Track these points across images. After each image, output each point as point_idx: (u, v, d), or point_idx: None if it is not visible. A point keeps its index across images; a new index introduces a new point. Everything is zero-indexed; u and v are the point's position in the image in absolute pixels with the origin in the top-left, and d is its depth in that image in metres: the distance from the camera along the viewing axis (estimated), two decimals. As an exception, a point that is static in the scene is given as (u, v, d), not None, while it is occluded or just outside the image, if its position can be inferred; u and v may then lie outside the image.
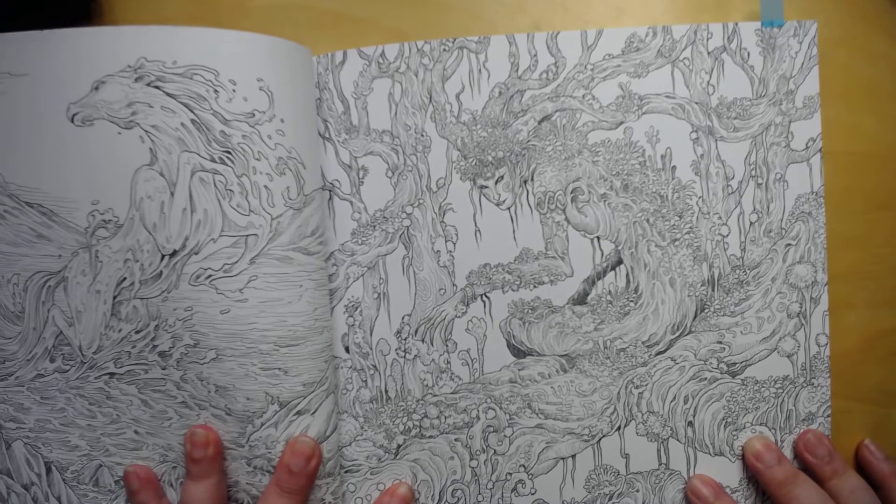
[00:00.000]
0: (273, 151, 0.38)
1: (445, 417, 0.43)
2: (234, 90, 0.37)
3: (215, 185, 0.38)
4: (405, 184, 0.42)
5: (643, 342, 0.43)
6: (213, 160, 0.37)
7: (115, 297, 0.39)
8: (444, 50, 0.42)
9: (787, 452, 0.42)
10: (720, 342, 0.42)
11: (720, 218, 0.42)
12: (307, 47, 0.40)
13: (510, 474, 0.43)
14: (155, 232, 0.38)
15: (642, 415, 0.43)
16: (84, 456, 0.41)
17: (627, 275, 0.42)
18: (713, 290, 0.42)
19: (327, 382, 0.41)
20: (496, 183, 0.42)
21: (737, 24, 0.41)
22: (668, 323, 0.42)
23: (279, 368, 0.39)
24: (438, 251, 0.43)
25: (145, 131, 0.37)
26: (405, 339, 0.43)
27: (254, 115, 0.38)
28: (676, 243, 0.42)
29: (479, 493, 0.43)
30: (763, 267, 0.42)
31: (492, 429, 0.43)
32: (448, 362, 0.43)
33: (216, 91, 0.37)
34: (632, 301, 0.42)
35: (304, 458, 0.39)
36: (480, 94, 0.42)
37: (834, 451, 0.41)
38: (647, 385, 0.43)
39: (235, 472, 0.40)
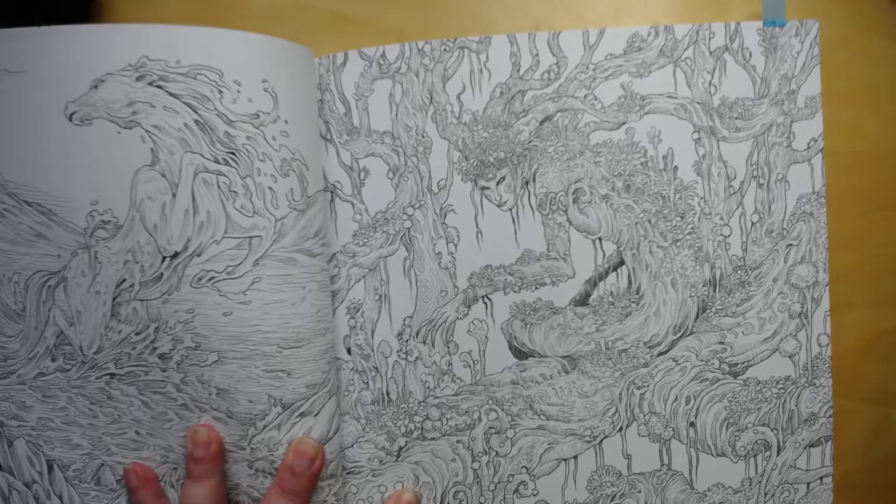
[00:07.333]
0: (277, 153, 0.38)
1: (447, 419, 0.43)
2: (238, 91, 0.37)
3: (219, 187, 0.37)
4: (406, 185, 0.42)
5: (645, 343, 0.42)
6: (216, 161, 0.37)
7: (114, 299, 0.38)
8: (445, 50, 0.42)
9: (790, 451, 0.43)
10: (722, 343, 0.42)
11: (722, 218, 0.42)
12: (309, 49, 0.40)
13: (512, 476, 0.43)
14: (156, 233, 0.37)
15: (644, 415, 0.43)
16: (86, 455, 0.40)
17: (629, 276, 0.42)
18: (715, 291, 0.42)
19: (329, 384, 0.41)
20: (497, 184, 0.42)
21: (738, 23, 0.41)
22: (669, 324, 0.42)
23: (282, 370, 0.39)
24: (440, 253, 0.42)
25: (146, 131, 0.37)
26: (406, 341, 0.43)
27: (258, 116, 0.37)
28: (678, 244, 0.42)
29: (482, 495, 0.43)
30: (764, 267, 0.42)
31: (493, 430, 0.43)
32: (450, 364, 0.43)
33: (220, 91, 0.37)
34: (633, 302, 0.42)
35: (307, 459, 0.39)
36: (481, 94, 0.42)
37: None
38: (648, 386, 0.43)
39: (236, 475, 0.40)
